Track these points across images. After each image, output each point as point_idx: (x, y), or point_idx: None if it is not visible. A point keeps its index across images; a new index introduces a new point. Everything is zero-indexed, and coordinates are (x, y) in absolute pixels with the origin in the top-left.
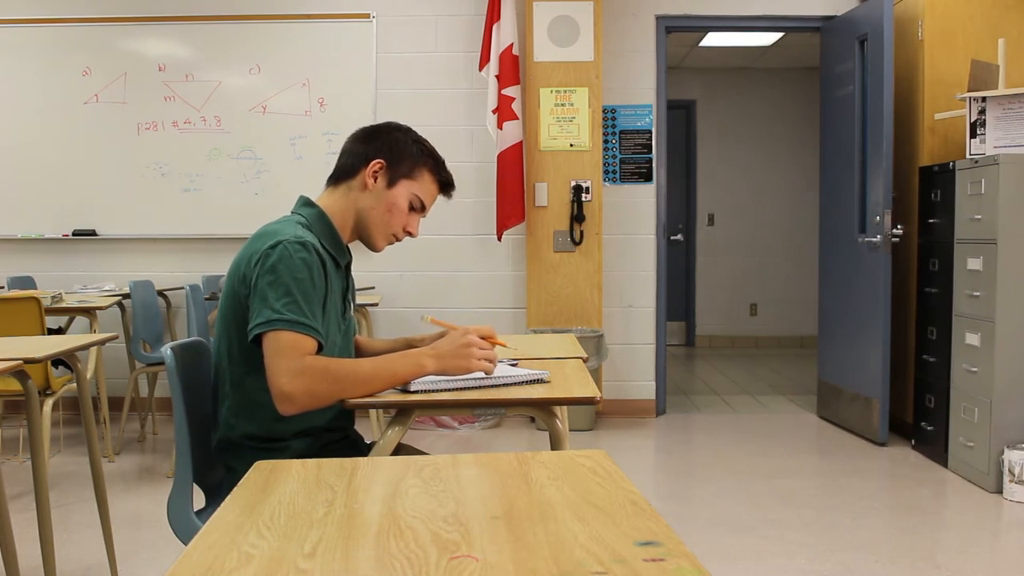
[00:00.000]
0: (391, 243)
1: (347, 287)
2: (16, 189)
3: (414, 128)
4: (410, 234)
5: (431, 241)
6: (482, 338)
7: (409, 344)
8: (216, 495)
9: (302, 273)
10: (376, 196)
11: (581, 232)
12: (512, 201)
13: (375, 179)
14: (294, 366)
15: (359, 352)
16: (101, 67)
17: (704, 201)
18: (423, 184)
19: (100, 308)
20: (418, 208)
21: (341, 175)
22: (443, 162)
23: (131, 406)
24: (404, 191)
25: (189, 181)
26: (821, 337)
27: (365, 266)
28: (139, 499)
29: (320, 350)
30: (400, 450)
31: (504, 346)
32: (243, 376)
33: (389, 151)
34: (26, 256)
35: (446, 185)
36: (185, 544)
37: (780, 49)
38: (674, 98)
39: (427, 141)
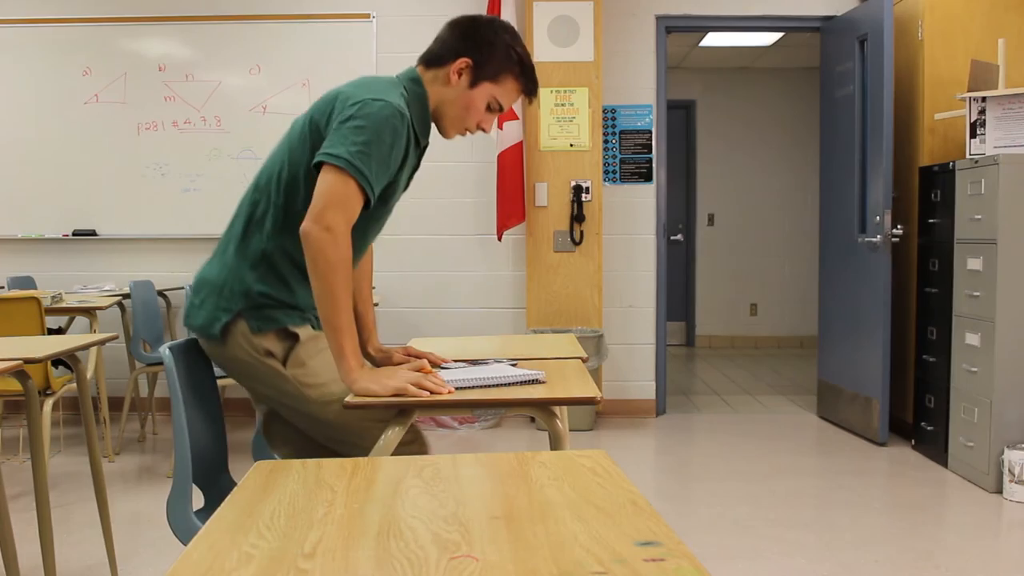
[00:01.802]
0: (462, 135)
1: (416, 167)
2: (16, 189)
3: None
4: (483, 130)
5: (431, 241)
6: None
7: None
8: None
9: (388, 138)
10: (457, 92)
11: (581, 232)
12: (512, 201)
13: (459, 76)
14: (338, 228)
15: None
16: (101, 67)
17: (704, 201)
18: (505, 88)
19: (100, 308)
20: (496, 109)
21: (431, 61)
22: (531, 67)
23: (131, 406)
24: (484, 93)
25: (189, 181)
26: (821, 337)
27: None
28: (139, 499)
29: (367, 205)
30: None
31: (436, 369)
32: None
33: (478, 51)
34: (26, 256)
35: (529, 92)
36: (185, 544)
37: (780, 49)
38: (674, 98)
39: (521, 43)
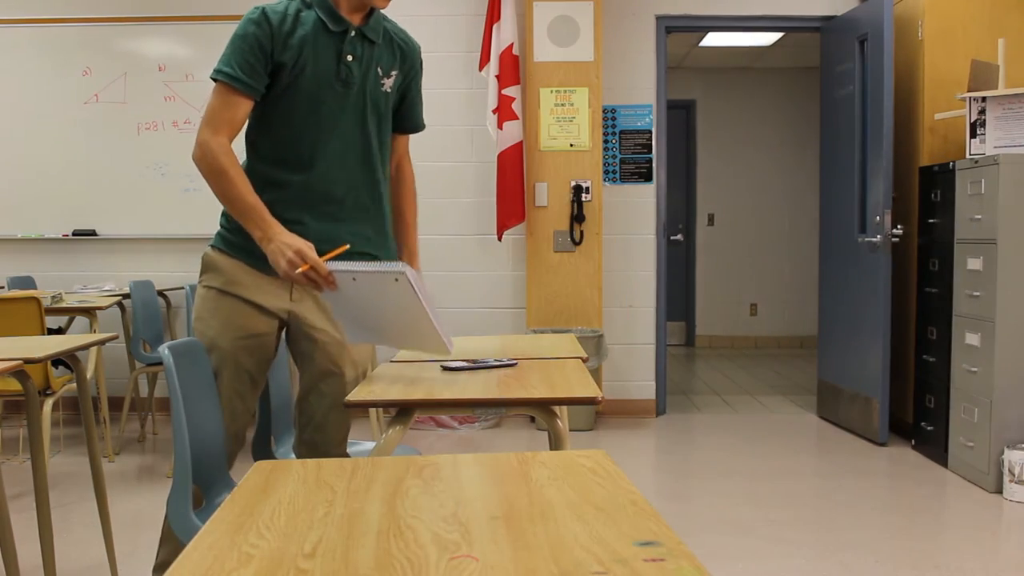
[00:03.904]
0: None
1: (343, 51)
2: (16, 189)
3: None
4: None
5: (431, 241)
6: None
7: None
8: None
9: (242, 31)
10: None
11: (581, 232)
12: (512, 201)
13: None
14: (204, 141)
15: (397, 192)
16: (101, 67)
17: (704, 201)
18: None
19: (100, 308)
20: None
21: None
22: None
23: (131, 406)
24: None
25: (189, 181)
26: (821, 337)
27: None
28: (139, 499)
29: (250, 93)
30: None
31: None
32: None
33: None
34: (26, 256)
35: None
36: (185, 544)
37: (780, 49)
38: (674, 98)
39: None
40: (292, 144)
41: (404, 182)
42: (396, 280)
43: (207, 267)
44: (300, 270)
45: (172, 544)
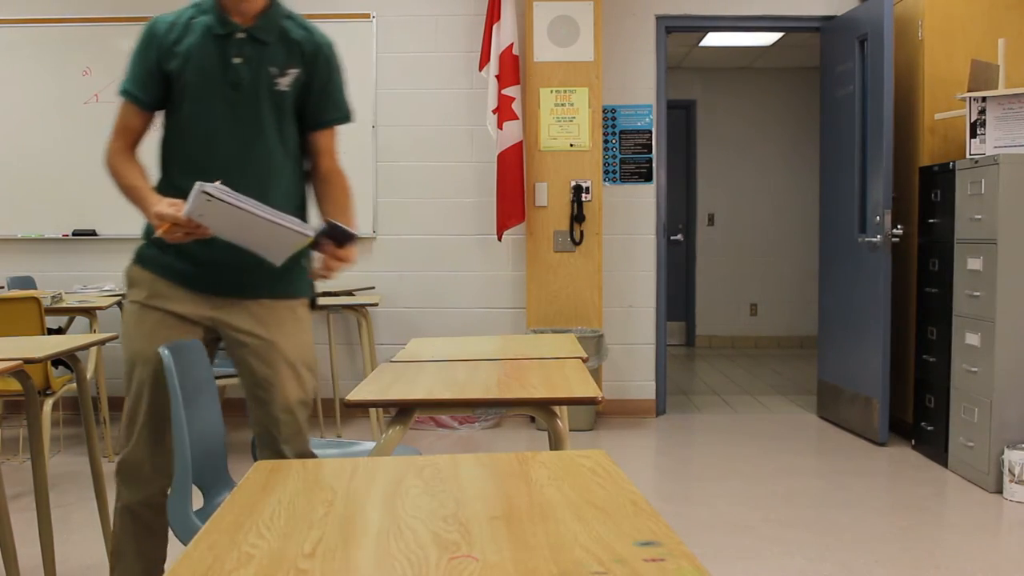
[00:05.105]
0: None
1: (230, 54)
2: (16, 189)
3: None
4: None
5: (431, 241)
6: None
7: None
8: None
9: (136, 45)
10: None
11: (581, 232)
12: (512, 201)
13: None
14: (107, 147)
15: (322, 190)
16: (101, 67)
17: (704, 201)
18: None
19: (100, 308)
20: None
21: None
22: None
23: None
24: None
25: None
26: (821, 337)
27: (365, 266)
28: None
29: (139, 104)
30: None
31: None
32: None
33: None
34: (26, 256)
35: None
36: (185, 544)
37: (780, 49)
38: (674, 98)
39: None
40: (188, 150)
41: (331, 183)
42: (208, 201)
43: (129, 282)
44: (161, 231)
45: (124, 565)
